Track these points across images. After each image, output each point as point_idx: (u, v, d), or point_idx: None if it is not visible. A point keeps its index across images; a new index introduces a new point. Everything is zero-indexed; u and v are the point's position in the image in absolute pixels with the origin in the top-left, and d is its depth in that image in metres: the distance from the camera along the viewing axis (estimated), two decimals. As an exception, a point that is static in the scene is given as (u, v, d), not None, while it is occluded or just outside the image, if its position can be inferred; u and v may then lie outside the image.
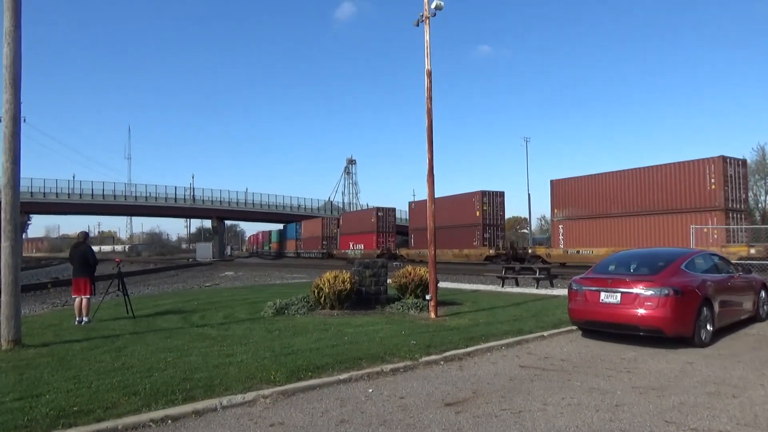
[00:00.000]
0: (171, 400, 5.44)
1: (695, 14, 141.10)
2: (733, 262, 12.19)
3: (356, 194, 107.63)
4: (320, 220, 70.67)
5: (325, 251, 65.26)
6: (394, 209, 57.19)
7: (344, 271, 12.68)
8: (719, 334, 9.14)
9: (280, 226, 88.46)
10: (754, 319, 10.56)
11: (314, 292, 12.23)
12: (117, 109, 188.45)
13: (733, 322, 9.78)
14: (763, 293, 10.88)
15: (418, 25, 11.87)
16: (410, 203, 52.67)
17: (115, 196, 74.06)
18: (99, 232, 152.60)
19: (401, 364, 7.12)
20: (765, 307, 10.85)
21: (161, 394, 5.60)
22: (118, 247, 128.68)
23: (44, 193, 69.47)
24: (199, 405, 5.34)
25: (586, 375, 6.76)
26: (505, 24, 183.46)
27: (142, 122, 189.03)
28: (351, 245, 59.28)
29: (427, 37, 11.69)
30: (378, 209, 56.04)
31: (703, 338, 8.43)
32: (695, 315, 8.29)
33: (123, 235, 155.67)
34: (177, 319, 11.48)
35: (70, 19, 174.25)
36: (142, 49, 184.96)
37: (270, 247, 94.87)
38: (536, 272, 19.22)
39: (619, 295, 8.55)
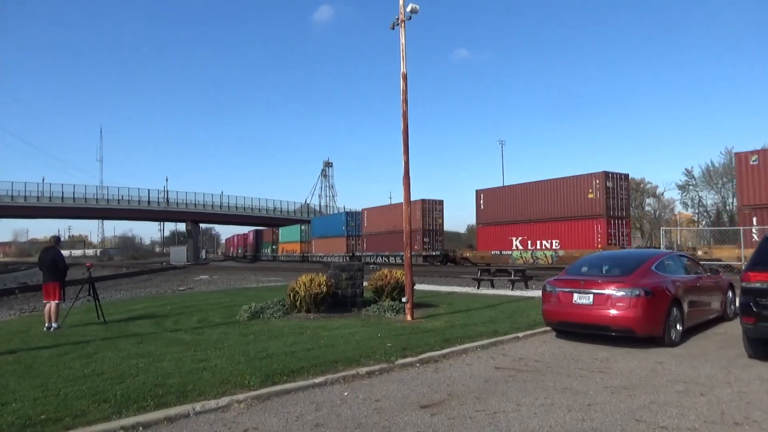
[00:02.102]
0: (142, 407, 5.35)
1: (670, 17, 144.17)
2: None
3: (333, 197, 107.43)
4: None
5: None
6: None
7: (320, 274, 12.64)
8: (689, 333, 9.34)
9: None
10: (722, 318, 10.81)
11: (290, 295, 12.16)
12: (88, 110, 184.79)
13: (702, 322, 10.00)
14: (730, 293, 11.16)
15: (393, 29, 11.90)
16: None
17: (86, 199, 72.68)
18: (69, 236, 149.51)
19: (377, 367, 7.12)
20: (732, 307, 11.11)
21: (132, 401, 5.50)
22: (90, 252, 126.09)
23: (12, 196, 67.93)
24: (172, 411, 5.26)
25: (560, 375, 6.85)
26: (482, 28, 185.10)
27: (114, 124, 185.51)
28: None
29: (402, 41, 11.73)
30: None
31: (673, 338, 8.60)
32: (665, 315, 8.47)
33: (94, 239, 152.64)
34: (150, 323, 11.30)
35: (39, 18, 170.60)
36: (114, 49, 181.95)
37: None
38: (511, 274, 19.41)
39: (591, 296, 8.68)
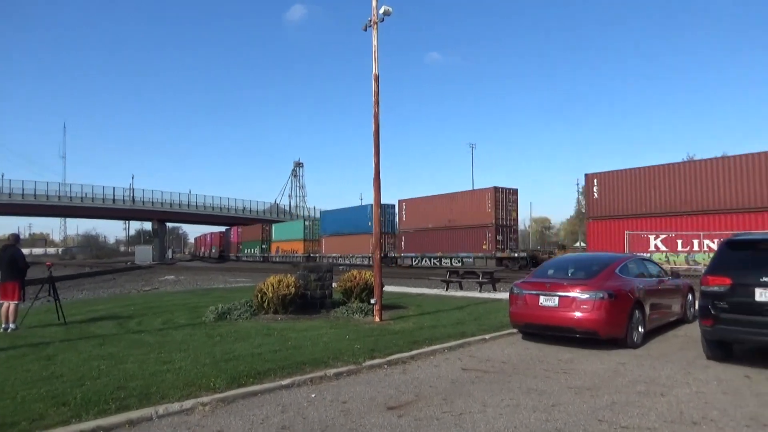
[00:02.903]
0: (103, 410, 5.22)
1: (636, 25, 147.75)
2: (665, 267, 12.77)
3: (303, 197, 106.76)
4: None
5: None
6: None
7: (288, 275, 12.54)
8: (650, 335, 9.56)
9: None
10: (682, 320, 11.11)
11: (257, 296, 12.03)
12: (51, 105, 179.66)
13: (663, 324, 10.26)
14: (690, 296, 11.48)
15: (366, 30, 11.90)
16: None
17: (47, 196, 70.49)
18: (30, 234, 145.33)
19: (345, 369, 7.10)
20: (692, 310, 11.43)
21: (93, 404, 5.36)
22: (51, 250, 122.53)
23: (-32, 192, 65.54)
24: (134, 414, 5.15)
25: (525, 376, 6.94)
26: (454, 32, 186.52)
27: (78, 120, 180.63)
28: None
29: (375, 42, 11.74)
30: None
31: (635, 339, 8.80)
32: (628, 317, 8.66)
33: (57, 237, 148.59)
34: (112, 325, 11.04)
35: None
36: (79, 44, 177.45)
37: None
38: (479, 276, 19.59)
39: (557, 298, 8.82)
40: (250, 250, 71.92)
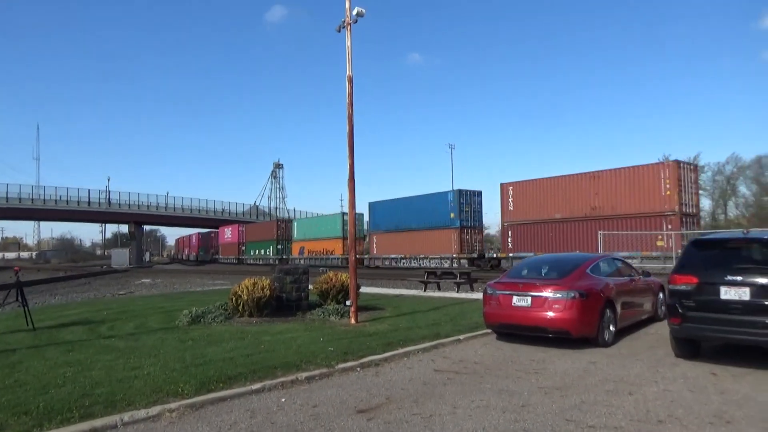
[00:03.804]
0: (66, 419, 5.11)
1: (612, 30, 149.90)
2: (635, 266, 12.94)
3: (283, 198, 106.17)
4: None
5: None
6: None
7: (263, 277, 12.44)
8: (621, 333, 9.68)
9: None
10: (653, 319, 11.27)
11: (232, 299, 11.90)
12: (23, 106, 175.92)
13: (634, 323, 10.40)
14: (661, 295, 11.63)
15: (339, 31, 11.87)
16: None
17: (20, 198, 68.91)
18: (2, 238, 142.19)
19: (317, 372, 7.06)
20: (663, 308, 11.59)
21: (56, 413, 5.25)
22: (25, 254, 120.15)
23: (-64, 195, 63.88)
24: (98, 422, 5.05)
25: (497, 377, 6.97)
26: (435, 33, 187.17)
27: (52, 122, 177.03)
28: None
29: (348, 43, 11.71)
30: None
31: (606, 338, 8.90)
32: (599, 316, 8.75)
33: (30, 241, 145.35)
34: (82, 330, 10.83)
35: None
36: (52, 43, 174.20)
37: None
38: (457, 276, 19.66)
39: (529, 298, 8.88)
40: (259, 251, 62.41)
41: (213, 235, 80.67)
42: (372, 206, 45.99)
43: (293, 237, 57.42)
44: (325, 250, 50.50)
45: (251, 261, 63.96)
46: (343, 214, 48.38)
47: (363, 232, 49.18)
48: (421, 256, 39.83)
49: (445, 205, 37.71)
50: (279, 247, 58.78)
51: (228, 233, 73.57)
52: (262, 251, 61.97)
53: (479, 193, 38.46)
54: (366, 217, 49.77)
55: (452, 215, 37.27)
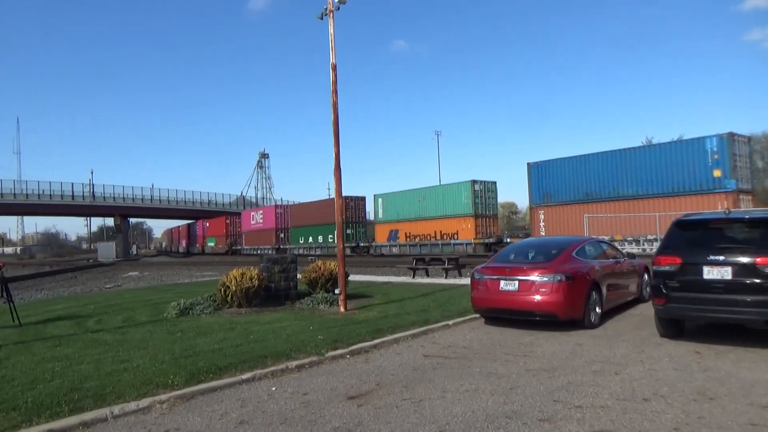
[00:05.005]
0: (56, 413, 5.09)
1: (608, 15, 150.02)
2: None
3: (270, 188, 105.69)
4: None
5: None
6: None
7: (252, 267, 12.41)
8: (608, 315, 9.81)
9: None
10: (638, 300, 11.42)
11: (220, 290, 11.88)
12: (2, 99, 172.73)
13: (620, 304, 10.53)
14: (646, 276, 11.79)
15: (322, 18, 11.77)
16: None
17: (2, 194, 67.86)
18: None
19: (307, 360, 7.09)
20: (647, 289, 11.75)
21: (45, 407, 5.23)
22: (9, 250, 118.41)
23: None
24: (87, 416, 5.04)
25: (486, 361, 7.04)
26: (420, 20, 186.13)
27: (32, 115, 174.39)
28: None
29: (331, 31, 11.62)
30: None
31: (593, 320, 9.02)
32: (585, 299, 8.86)
33: (14, 236, 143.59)
34: (70, 325, 10.75)
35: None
36: (32, 35, 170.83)
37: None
38: (445, 263, 19.75)
39: (516, 282, 8.96)
40: (313, 239, 48.22)
41: (229, 221, 66.54)
42: (534, 167, 32.37)
43: (378, 217, 44.41)
44: (441, 233, 38.24)
45: (303, 251, 47.44)
46: (474, 182, 36.67)
47: (530, 200, 32.91)
48: (635, 237, 27.43)
49: (702, 154, 25.39)
50: (349, 232, 43.14)
51: (258, 217, 58.28)
52: (319, 238, 47.43)
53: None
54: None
55: (713, 171, 24.94)
